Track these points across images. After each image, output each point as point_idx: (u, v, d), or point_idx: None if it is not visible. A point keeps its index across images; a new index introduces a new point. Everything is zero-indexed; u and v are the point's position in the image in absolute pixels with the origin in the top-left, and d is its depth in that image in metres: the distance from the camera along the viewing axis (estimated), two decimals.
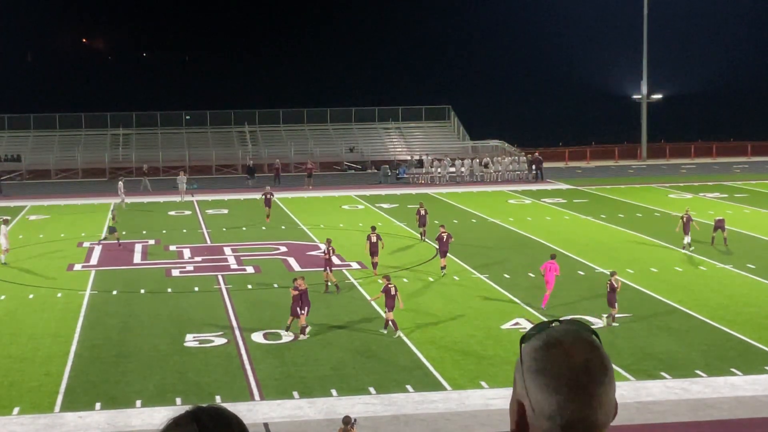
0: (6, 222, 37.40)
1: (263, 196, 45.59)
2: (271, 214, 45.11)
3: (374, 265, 33.51)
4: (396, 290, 25.72)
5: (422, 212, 39.81)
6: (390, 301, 25.50)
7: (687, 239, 36.32)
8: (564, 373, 2.24)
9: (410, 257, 36.31)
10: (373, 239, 33.63)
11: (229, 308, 28.81)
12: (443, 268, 33.02)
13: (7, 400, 20.87)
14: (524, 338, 2.35)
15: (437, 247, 34.13)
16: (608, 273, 27.94)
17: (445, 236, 33.13)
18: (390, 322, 25.62)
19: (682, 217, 37.03)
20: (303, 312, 25.27)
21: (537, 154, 64.60)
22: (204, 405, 2.27)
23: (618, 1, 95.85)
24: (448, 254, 33.52)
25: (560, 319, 2.36)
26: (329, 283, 30.59)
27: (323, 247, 32.39)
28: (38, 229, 44.46)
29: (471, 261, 34.98)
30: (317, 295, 30.14)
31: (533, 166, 63.17)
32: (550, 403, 2.24)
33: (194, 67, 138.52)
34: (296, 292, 25.21)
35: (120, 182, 52.95)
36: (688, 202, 50.66)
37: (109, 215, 41.30)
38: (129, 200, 52.03)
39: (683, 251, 36.12)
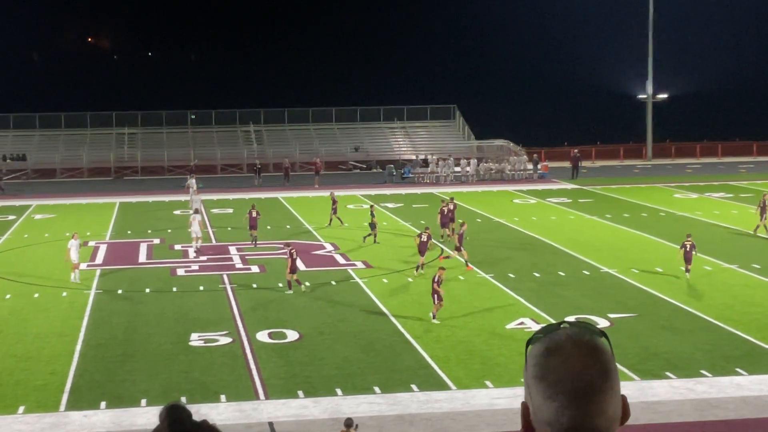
0: (197, 211, 38.45)
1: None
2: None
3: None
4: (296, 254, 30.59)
5: (335, 199, 43.53)
6: (293, 265, 30.16)
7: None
8: (562, 380, 2.25)
9: (415, 257, 36.27)
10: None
11: (234, 307, 28.83)
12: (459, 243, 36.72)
13: (13, 399, 20.91)
14: (530, 341, 2.36)
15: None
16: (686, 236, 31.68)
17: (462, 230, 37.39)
18: (290, 282, 30.15)
19: (759, 202, 39.52)
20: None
21: (576, 151, 64.58)
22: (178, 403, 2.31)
23: (623, 1, 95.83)
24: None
25: (567, 320, 2.36)
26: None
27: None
28: (44, 228, 44.53)
29: (476, 260, 34.96)
30: (318, 297, 30.17)
31: (571, 164, 63.24)
32: (549, 409, 2.25)
33: (200, 66, 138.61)
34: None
35: (191, 180, 52.97)
36: (694, 202, 50.62)
37: (370, 211, 41.05)
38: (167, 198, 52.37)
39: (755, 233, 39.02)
